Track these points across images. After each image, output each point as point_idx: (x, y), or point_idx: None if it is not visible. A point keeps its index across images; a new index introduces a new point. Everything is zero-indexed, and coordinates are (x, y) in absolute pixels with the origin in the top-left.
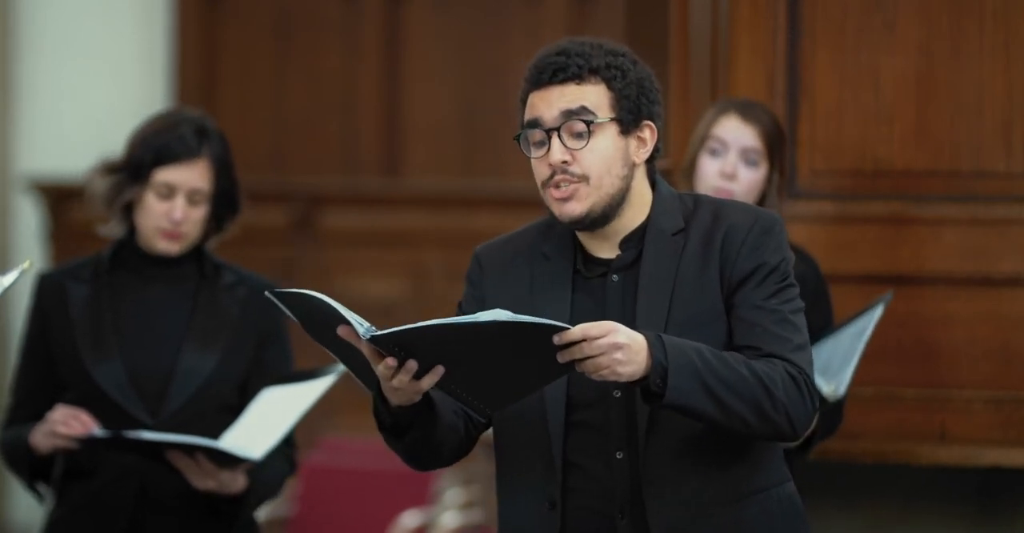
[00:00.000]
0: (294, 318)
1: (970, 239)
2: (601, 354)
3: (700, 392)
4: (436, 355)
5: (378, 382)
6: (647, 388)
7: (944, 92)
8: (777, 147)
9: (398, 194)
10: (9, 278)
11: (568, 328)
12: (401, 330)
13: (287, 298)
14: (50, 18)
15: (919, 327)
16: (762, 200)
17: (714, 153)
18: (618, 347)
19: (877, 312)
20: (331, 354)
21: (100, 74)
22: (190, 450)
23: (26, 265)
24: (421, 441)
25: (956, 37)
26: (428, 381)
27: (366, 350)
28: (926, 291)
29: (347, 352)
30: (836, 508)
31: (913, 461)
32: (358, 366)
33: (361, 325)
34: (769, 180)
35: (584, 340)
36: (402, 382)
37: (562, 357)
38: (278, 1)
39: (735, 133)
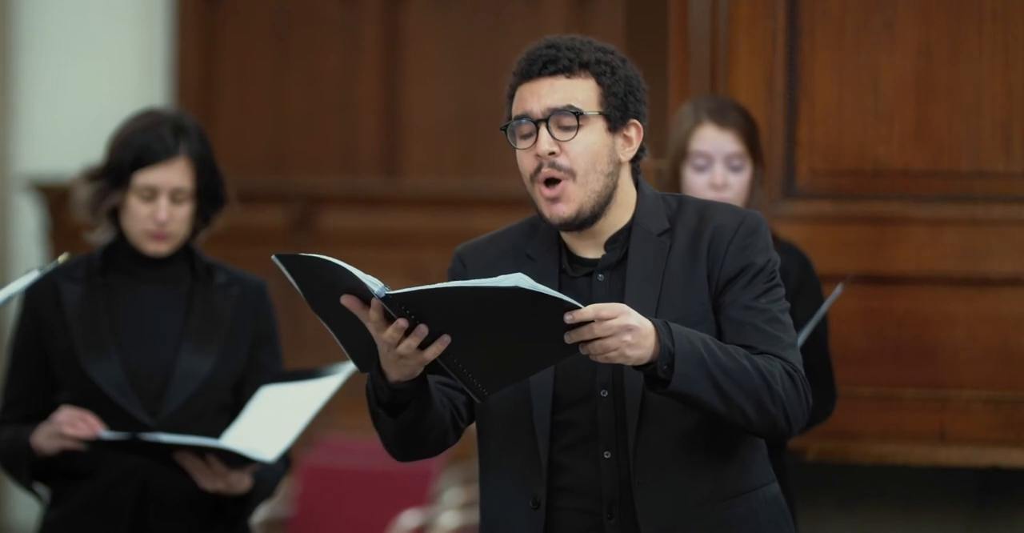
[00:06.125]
0: (295, 284)
1: (969, 239)
2: (611, 335)
3: (705, 381)
4: (445, 323)
5: (375, 360)
6: (653, 374)
7: (943, 92)
8: (756, 143)
9: (397, 194)
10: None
11: (580, 307)
12: (417, 290)
13: (291, 262)
14: (50, 18)
15: (918, 327)
16: (750, 197)
17: (700, 169)
18: (629, 329)
19: (835, 292)
20: (327, 327)
21: (100, 74)
22: (201, 451)
23: (62, 258)
24: (413, 422)
25: (955, 37)
26: (433, 351)
27: (375, 314)
28: (925, 291)
29: (346, 325)
30: (835, 508)
31: (912, 461)
32: (354, 342)
33: (375, 284)
34: (754, 177)
35: (595, 320)
36: (409, 348)
37: (571, 337)
38: (278, 1)
39: (715, 144)
